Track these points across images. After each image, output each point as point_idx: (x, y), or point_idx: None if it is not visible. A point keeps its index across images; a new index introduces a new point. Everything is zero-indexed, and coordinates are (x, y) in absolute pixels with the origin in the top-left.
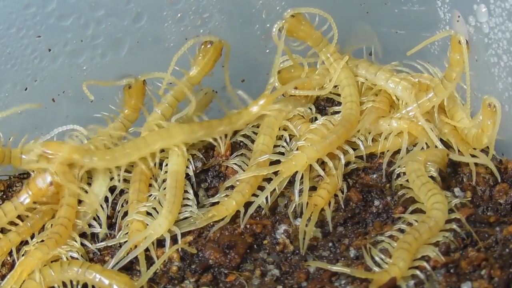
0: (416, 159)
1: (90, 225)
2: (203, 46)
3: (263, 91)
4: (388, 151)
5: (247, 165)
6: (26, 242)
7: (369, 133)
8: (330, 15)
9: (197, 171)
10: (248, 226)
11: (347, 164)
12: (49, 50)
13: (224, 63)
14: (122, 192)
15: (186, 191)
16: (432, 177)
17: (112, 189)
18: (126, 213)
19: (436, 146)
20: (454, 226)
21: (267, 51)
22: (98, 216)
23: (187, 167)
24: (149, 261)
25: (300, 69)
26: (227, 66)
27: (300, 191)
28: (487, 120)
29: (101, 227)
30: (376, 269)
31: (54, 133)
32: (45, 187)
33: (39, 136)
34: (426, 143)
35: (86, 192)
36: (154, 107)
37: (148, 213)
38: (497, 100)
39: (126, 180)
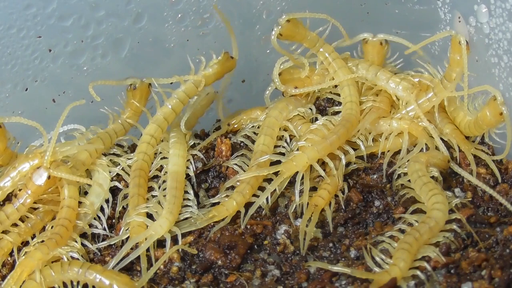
0: (418, 160)
1: (90, 225)
2: (225, 54)
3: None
4: (388, 151)
5: (248, 166)
6: (27, 243)
7: (370, 133)
8: (331, 15)
9: (198, 172)
10: (248, 226)
11: (348, 164)
12: (50, 50)
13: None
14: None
15: (186, 192)
16: (433, 177)
17: (112, 190)
18: (126, 208)
19: (436, 148)
20: (454, 226)
21: (268, 51)
22: (98, 216)
23: (187, 167)
24: (149, 262)
25: (297, 71)
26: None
27: (301, 191)
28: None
29: (101, 226)
30: (376, 269)
31: (53, 134)
32: (44, 182)
33: (38, 137)
34: (425, 144)
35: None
36: (165, 101)
37: (149, 214)
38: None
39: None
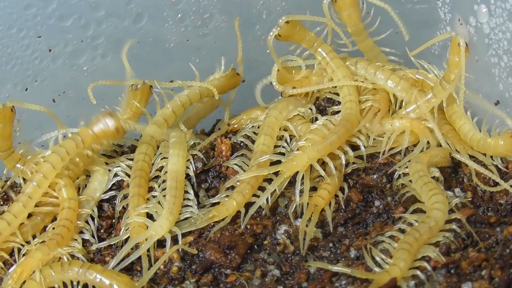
0: (419, 161)
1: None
2: (232, 70)
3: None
4: (393, 148)
5: (248, 166)
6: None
7: (372, 132)
8: (330, 16)
9: (198, 172)
10: (248, 226)
11: (348, 164)
12: (50, 50)
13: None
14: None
15: (186, 192)
16: (434, 177)
17: (112, 190)
18: (126, 208)
19: (439, 145)
20: (454, 226)
21: (267, 51)
22: (92, 216)
23: (187, 167)
24: (149, 262)
25: (297, 71)
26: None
27: (301, 191)
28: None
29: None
30: (376, 269)
31: (53, 135)
32: (111, 128)
33: (39, 136)
34: (428, 142)
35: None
36: (166, 103)
37: (149, 215)
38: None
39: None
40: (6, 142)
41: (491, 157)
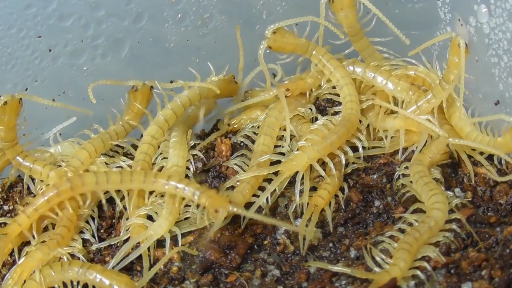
0: (420, 162)
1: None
2: (231, 76)
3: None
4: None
5: (248, 166)
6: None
7: (376, 128)
8: (330, 16)
9: (198, 172)
10: (248, 226)
11: (348, 164)
12: (50, 50)
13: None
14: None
15: None
16: (435, 178)
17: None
18: (125, 208)
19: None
20: (454, 226)
21: (268, 51)
22: (92, 217)
23: (187, 168)
24: (149, 262)
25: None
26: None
27: (301, 191)
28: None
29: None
30: (376, 269)
31: (56, 130)
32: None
33: (39, 135)
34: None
35: None
36: (166, 103)
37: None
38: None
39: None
40: (10, 134)
41: (492, 158)
